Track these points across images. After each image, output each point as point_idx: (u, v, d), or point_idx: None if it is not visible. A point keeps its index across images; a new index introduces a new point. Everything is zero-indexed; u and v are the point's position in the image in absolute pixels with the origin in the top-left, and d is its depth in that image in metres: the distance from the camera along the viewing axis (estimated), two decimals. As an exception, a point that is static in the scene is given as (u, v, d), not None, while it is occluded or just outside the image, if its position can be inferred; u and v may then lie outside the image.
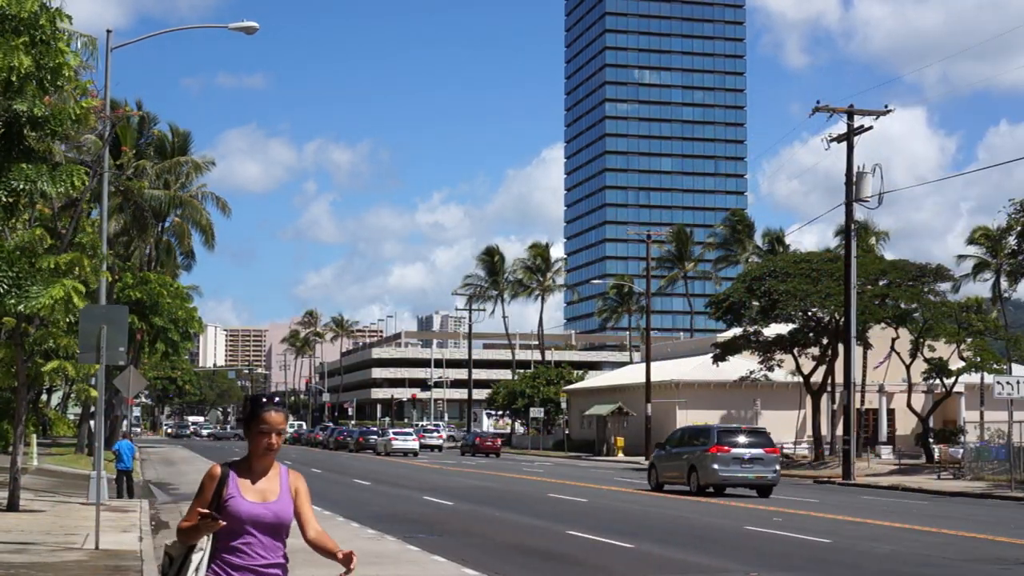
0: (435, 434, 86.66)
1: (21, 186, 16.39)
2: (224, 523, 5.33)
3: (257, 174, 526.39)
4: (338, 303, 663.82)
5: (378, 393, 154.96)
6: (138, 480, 38.08)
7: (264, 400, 5.65)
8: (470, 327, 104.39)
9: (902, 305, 52.67)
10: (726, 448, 34.09)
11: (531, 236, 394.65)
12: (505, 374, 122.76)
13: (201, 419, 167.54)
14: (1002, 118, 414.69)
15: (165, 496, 32.44)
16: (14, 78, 15.64)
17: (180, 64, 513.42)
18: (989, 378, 48.52)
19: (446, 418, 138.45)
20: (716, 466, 33.93)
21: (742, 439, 34.77)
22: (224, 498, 5.46)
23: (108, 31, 28.53)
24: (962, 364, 51.87)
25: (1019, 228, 52.30)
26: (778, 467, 35.20)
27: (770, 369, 57.98)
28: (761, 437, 35.57)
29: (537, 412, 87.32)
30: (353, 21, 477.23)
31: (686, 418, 68.83)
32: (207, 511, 5.30)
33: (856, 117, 44.18)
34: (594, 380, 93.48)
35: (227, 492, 5.48)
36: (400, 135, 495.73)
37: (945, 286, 55.52)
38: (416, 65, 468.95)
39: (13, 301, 16.63)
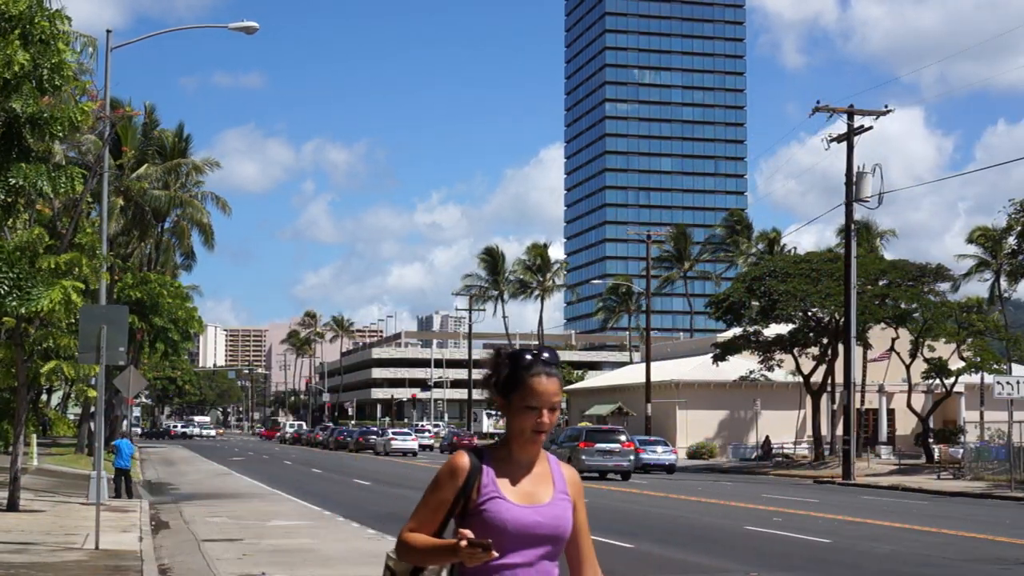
0: (427, 434, 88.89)
1: (20, 182, 16.37)
2: (497, 555, 3.72)
3: (255, 174, 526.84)
4: (337, 303, 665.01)
5: (378, 393, 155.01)
6: (138, 480, 38.12)
7: (529, 358, 3.92)
8: (470, 327, 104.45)
9: (902, 305, 52.67)
10: (591, 444, 44.19)
11: (530, 236, 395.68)
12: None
13: (207, 419, 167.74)
14: (1000, 118, 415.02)
15: (165, 496, 32.44)
16: (9, 75, 15.62)
17: (178, 64, 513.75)
18: (989, 378, 48.57)
19: (446, 418, 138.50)
20: (584, 457, 43.55)
21: (604, 437, 44.96)
22: (477, 500, 3.87)
23: (108, 31, 28.56)
24: (962, 364, 51.88)
25: (1019, 228, 52.35)
26: (632, 457, 44.99)
27: (770, 369, 58.00)
28: (619, 435, 45.54)
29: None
30: (351, 20, 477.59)
31: (686, 418, 68.90)
32: (477, 539, 3.67)
33: (856, 117, 44.21)
34: (594, 380, 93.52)
35: (482, 491, 3.88)
36: (399, 135, 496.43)
37: (945, 286, 55.59)
38: (415, 65, 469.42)
39: (16, 303, 16.60)
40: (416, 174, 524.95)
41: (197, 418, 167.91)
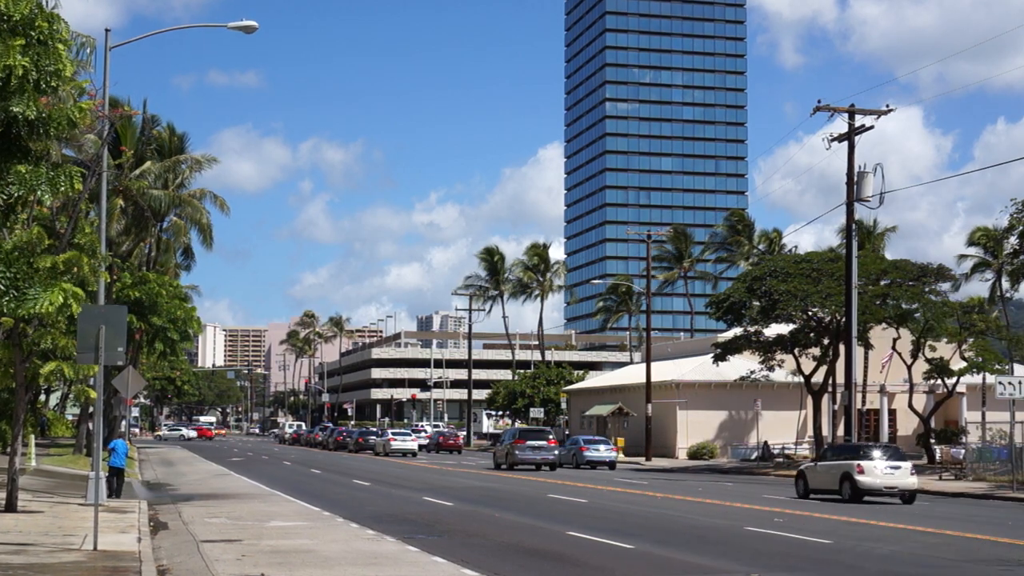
0: (423, 434, 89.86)
1: (20, 192, 16.35)
2: None
3: (252, 173, 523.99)
4: (335, 302, 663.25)
5: (378, 393, 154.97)
6: (138, 480, 38.07)
7: None
8: (470, 327, 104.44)
9: (903, 305, 52.60)
10: (523, 441, 52.78)
11: (528, 236, 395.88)
12: (505, 374, 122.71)
13: (212, 419, 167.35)
14: (999, 117, 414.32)
15: (164, 496, 32.36)
16: (12, 79, 15.57)
17: (174, 63, 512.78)
18: (991, 378, 48.45)
19: (446, 418, 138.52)
20: (518, 452, 52.17)
21: (534, 436, 53.92)
22: None
23: (107, 30, 28.53)
24: (963, 364, 51.80)
25: (1021, 228, 52.21)
26: (556, 452, 53.45)
27: (771, 369, 57.92)
28: (545, 435, 54.47)
29: (537, 412, 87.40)
30: (350, 19, 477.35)
31: (686, 418, 68.82)
32: None
33: (857, 117, 44.08)
34: (594, 380, 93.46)
35: None
36: (397, 135, 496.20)
37: (946, 286, 55.48)
38: (415, 64, 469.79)
39: (13, 305, 16.51)
40: (414, 174, 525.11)
41: (202, 418, 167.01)
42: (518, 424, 76.83)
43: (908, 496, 32.99)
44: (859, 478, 32.82)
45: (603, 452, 56.71)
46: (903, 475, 33.08)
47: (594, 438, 60.47)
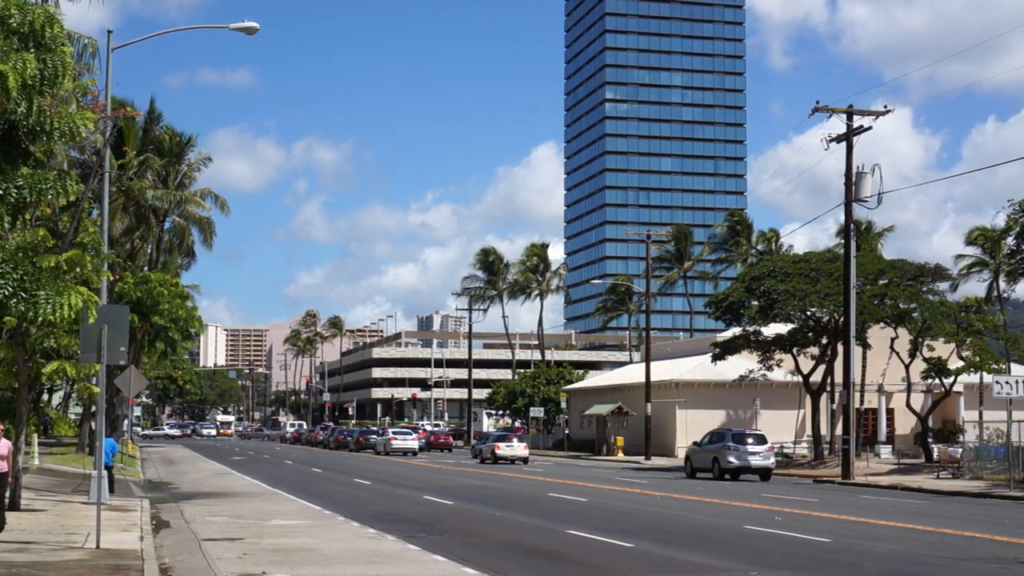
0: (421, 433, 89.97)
1: (29, 197, 16.49)
2: None
3: (247, 173, 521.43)
4: (331, 302, 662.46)
5: (378, 393, 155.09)
6: (139, 479, 38.20)
7: None
8: (470, 327, 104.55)
9: (901, 305, 52.72)
10: (394, 437, 73.52)
11: (523, 235, 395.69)
12: (505, 374, 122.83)
13: (231, 418, 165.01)
14: (988, 116, 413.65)
15: (166, 494, 32.49)
16: (30, 80, 15.71)
17: (167, 62, 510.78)
18: (988, 378, 48.59)
19: (446, 417, 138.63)
20: (393, 443, 72.47)
21: (402, 432, 76.06)
22: None
23: (109, 32, 28.63)
24: (961, 364, 51.91)
25: (1018, 228, 52.35)
26: (418, 443, 74.68)
27: (769, 369, 58.01)
28: (413, 432, 77.43)
29: (537, 412, 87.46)
30: (346, 18, 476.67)
31: (686, 418, 68.92)
32: None
33: (855, 117, 44.20)
34: (594, 380, 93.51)
35: None
36: (395, 135, 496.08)
37: (944, 286, 55.61)
38: (412, 64, 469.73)
39: (23, 308, 16.57)
40: (411, 174, 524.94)
41: (220, 417, 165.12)
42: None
43: (523, 460, 58.92)
44: (496, 452, 58.70)
45: (409, 442, 72.59)
46: (520, 449, 59.36)
47: (402, 428, 76.85)
